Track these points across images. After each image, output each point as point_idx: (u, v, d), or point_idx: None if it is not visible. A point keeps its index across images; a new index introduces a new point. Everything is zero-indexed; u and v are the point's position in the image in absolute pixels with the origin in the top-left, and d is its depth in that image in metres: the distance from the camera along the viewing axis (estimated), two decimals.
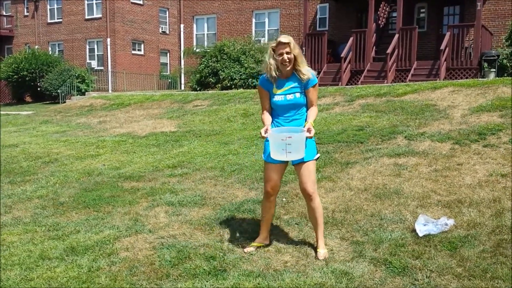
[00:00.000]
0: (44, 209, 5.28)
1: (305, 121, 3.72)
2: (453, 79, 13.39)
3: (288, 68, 3.66)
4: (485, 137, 6.53)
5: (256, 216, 4.68)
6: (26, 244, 4.21)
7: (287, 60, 3.61)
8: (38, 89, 23.16)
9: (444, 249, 3.69)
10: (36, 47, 28.04)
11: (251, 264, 3.63)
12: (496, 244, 3.70)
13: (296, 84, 3.71)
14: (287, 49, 3.59)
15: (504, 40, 13.84)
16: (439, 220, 4.09)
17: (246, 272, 3.47)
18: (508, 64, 13.71)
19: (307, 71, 3.69)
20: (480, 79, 11.84)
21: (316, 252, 3.77)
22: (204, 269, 3.54)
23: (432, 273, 3.33)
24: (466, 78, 13.52)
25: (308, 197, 3.75)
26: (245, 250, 3.86)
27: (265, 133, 3.55)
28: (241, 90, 14.82)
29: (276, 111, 3.81)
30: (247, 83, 16.07)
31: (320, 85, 3.96)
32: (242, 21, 20.90)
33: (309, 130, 3.52)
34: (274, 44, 3.66)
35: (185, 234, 4.29)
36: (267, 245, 3.96)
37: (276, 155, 3.56)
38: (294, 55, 3.61)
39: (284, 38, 3.61)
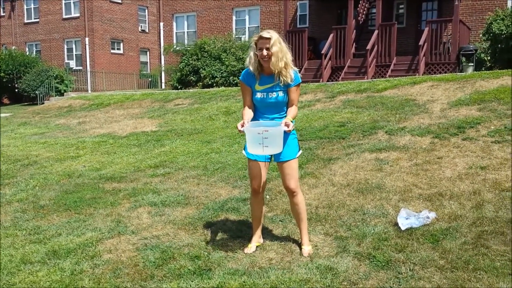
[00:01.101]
0: (24, 212, 5.19)
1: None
2: (432, 74, 13.55)
3: (268, 64, 3.53)
4: (464, 131, 6.63)
5: (241, 214, 4.67)
6: (7, 249, 4.14)
7: (266, 56, 3.48)
8: (16, 90, 22.75)
9: (427, 242, 3.74)
10: (13, 47, 27.52)
11: (236, 262, 3.62)
12: (477, 235, 3.76)
13: (279, 82, 3.60)
14: (267, 45, 3.46)
15: (481, 35, 14.03)
16: (420, 213, 4.14)
17: (231, 271, 3.46)
18: (485, 58, 13.92)
19: (286, 73, 3.54)
20: (459, 73, 12.00)
21: (300, 248, 3.78)
22: (188, 269, 3.52)
23: (415, 266, 3.37)
24: (445, 72, 13.69)
25: (291, 193, 3.75)
26: (246, 251, 3.78)
27: (241, 127, 3.47)
28: (223, 88, 14.79)
29: (257, 109, 3.73)
30: (228, 81, 16.03)
31: (301, 81, 3.86)
32: (222, 18, 20.82)
33: (287, 125, 3.43)
34: (256, 38, 3.54)
35: (169, 234, 4.26)
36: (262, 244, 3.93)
37: (252, 149, 3.47)
38: (272, 52, 3.47)
39: (265, 33, 3.49)
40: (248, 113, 3.69)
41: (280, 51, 3.50)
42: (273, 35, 3.50)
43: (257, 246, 3.86)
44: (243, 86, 3.73)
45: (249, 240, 3.95)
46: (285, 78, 3.56)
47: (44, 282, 3.46)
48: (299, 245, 3.83)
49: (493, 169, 5.24)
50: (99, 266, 3.68)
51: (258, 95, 3.66)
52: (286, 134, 3.53)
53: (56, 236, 4.39)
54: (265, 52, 3.48)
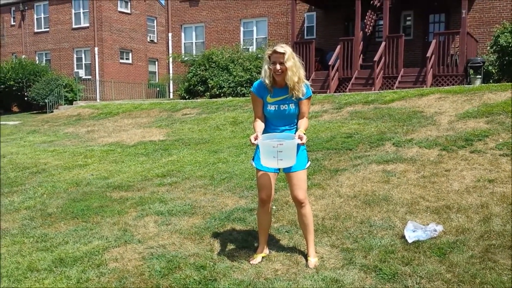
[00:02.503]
0: (32, 220, 5.22)
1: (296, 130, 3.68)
2: (439, 86, 13.53)
3: (281, 78, 3.58)
4: (472, 143, 6.60)
5: (247, 224, 4.67)
6: (14, 256, 4.16)
7: (279, 70, 3.52)
8: (25, 98, 22.96)
9: (433, 255, 3.72)
10: (23, 56, 27.81)
11: (241, 273, 3.62)
12: (484, 249, 3.73)
13: (291, 95, 3.63)
14: (281, 59, 3.50)
15: (489, 47, 14.02)
16: (428, 226, 4.12)
17: (237, 281, 3.45)
18: (493, 70, 13.89)
19: (299, 88, 3.58)
20: (466, 85, 11.97)
21: (306, 260, 3.77)
22: (194, 279, 3.52)
23: (422, 279, 3.35)
24: (453, 84, 13.66)
25: (299, 204, 3.75)
26: (251, 261, 3.79)
27: (254, 140, 3.49)
28: (230, 98, 14.84)
29: (268, 120, 3.76)
30: (236, 91, 16.10)
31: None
32: (230, 29, 20.96)
33: (300, 138, 3.47)
34: (270, 52, 3.58)
35: (175, 243, 4.27)
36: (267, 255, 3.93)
37: (267, 162, 3.49)
38: (286, 67, 3.51)
39: (279, 48, 3.52)
40: (260, 125, 3.72)
41: (294, 65, 3.54)
42: (287, 49, 3.53)
43: (263, 257, 3.85)
44: (255, 97, 3.75)
45: (255, 250, 3.95)
46: (297, 93, 3.60)
47: None
48: (305, 256, 3.82)
49: (501, 182, 5.21)
50: (105, 275, 3.69)
51: (270, 107, 3.69)
52: (297, 145, 3.55)
53: (63, 244, 4.41)
54: (278, 67, 3.52)
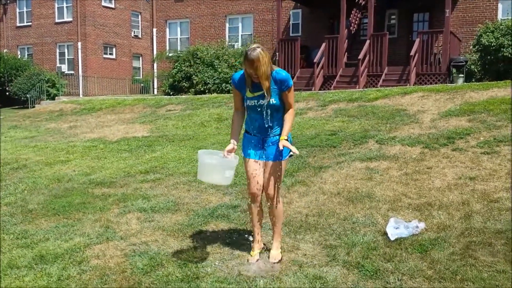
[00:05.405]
0: (12, 216, 5.14)
1: (281, 131, 3.59)
2: (422, 84, 13.65)
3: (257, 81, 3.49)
4: (453, 141, 6.68)
5: (231, 221, 4.66)
6: None
7: (255, 76, 3.45)
8: (7, 93, 22.60)
9: (415, 251, 3.75)
10: (4, 51, 27.33)
11: (224, 270, 3.60)
12: (465, 246, 3.78)
13: (271, 87, 3.50)
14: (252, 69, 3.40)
15: (472, 46, 14.19)
16: (410, 223, 4.16)
17: (220, 279, 3.44)
18: (476, 69, 14.05)
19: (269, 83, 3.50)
20: (449, 84, 12.11)
21: (268, 252, 3.77)
22: (177, 276, 3.50)
23: (404, 276, 3.38)
24: (435, 83, 13.80)
25: (269, 200, 3.72)
26: (250, 260, 3.71)
27: (227, 153, 3.56)
28: (215, 94, 14.80)
29: (250, 114, 3.67)
30: (220, 87, 16.05)
31: (294, 90, 3.83)
32: (215, 25, 20.87)
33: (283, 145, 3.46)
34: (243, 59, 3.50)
35: (158, 240, 4.24)
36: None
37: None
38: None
39: (249, 67, 3.38)
40: (237, 124, 3.72)
41: (264, 66, 3.39)
42: (256, 64, 3.36)
43: (259, 253, 3.82)
44: (234, 90, 3.71)
45: (239, 247, 3.94)
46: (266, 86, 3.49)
47: (31, 287, 3.43)
48: (288, 252, 3.82)
49: (482, 180, 5.28)
50: (86, 272, 3.65)
51: (250, 102, 3.60)
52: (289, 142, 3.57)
53: (43, 240, 4.35)
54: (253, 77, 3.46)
